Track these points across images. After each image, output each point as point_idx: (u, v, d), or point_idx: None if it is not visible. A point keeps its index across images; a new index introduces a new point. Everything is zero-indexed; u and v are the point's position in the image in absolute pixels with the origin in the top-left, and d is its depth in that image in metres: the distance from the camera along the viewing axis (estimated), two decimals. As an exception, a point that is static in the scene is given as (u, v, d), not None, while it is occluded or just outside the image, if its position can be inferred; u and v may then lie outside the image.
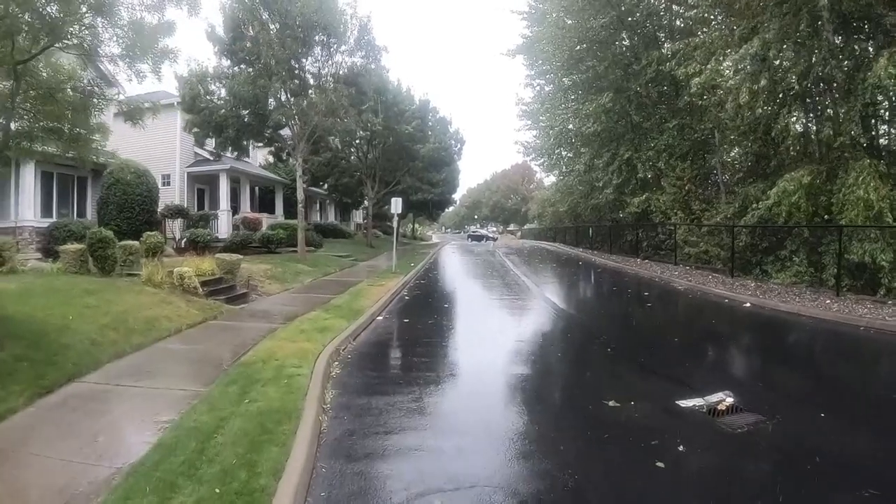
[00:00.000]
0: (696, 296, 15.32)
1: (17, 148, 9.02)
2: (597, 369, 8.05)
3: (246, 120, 21.58)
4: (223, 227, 25.48)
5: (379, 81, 29.91)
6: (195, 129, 21.41)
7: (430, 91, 79.57)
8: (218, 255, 15.15)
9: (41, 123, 8.86)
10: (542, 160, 42.48)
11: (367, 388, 6.78)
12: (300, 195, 21.14)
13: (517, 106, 42.72)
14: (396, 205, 20.14)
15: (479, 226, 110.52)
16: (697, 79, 16.86)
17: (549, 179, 69.94)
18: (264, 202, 33.37)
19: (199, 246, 22.22)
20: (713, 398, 6.08)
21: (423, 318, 11.78)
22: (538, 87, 36.97)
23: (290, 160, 22.73)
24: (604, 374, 7.75)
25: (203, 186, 28.05)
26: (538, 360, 8.53)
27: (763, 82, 15.10)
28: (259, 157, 37.03)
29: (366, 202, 34.75)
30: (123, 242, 13.56)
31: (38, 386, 5.99)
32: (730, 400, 6.00)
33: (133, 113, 9.75)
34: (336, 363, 7.83)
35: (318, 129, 22.07)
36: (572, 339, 10.31)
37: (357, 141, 34.68)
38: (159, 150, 25.71)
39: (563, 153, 35.12)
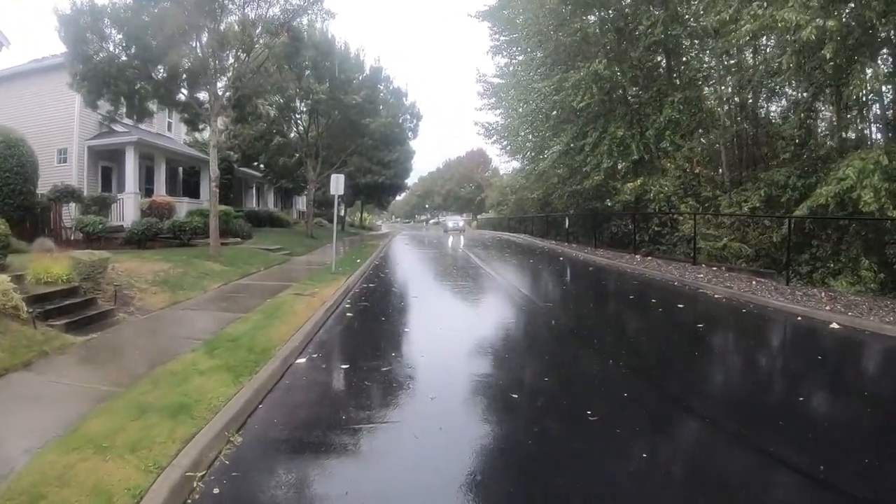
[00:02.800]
0: (750, 311, 11.14)
1: None
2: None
3: (152, 75, 16.42)
4: (129, 213, 20.38)
5: (322, 40, 25.09)
6: (84, 85, 15.99)
7: (382, 56, 73.36)
8: (75, 254, 10.28)
9: None
10: (505, 143, 38.36)
11: None
12: (213, 170, 16.19)
13: (479, 83, 38.45)
14: (337, 184, 15.35)
15: (437, 214, 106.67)
16: (749, 26, 12.77)
17: (512, 165, 66.09)
18: (188, 185, 28.11)
19: (92, 238, 17.23)
20: None
21: (372, 358, 7.24)
22: (506, 59, 32.76)
23: (202, 124, 17.52)
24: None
25: (109, 164, 22.68)
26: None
27: (832, 23, 11.09)
28: (184, 132, 31.66)
29: (310, 187, 29.70)
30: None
31: None
32: None
33: None
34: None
35: (241, 87, 17.16)
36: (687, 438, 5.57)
37: (298, 116, 29.66)
38: (54, 121, 20.73)
39: (532, 134, 30.75)
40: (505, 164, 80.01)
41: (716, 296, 12.83)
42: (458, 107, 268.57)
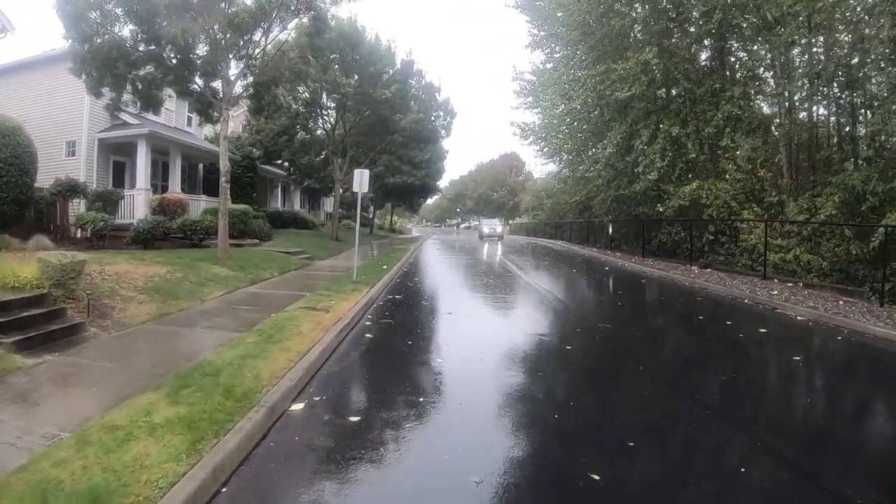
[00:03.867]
0: (846, 338, 9.07)
1: None
2: None
3: (160, 57, 14.86)
4: (139, 210, 19.00)
5: (350, 30, 23.47)
6: (84, 68, 14.40)
7: (414, 49, 71.09)
8: (43, 256, 8.61)
9: None
10: (542, 145, 36.21)
11: None
12: (223, 164, 14.54)
13: (515, 80, 36.39)
14: (361, 180, 13.45)
15: (467, 218, 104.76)
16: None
17: (548, 168, 63.92)
18: (209, 183, 26.68)
19: (97, 236, 15.81)
20: None
21: (395, 404, 5.38)
22: (546, 55, 30.71)
23: (217, 114, 15.87)
24: None
25: (122, 159, 21.30)
26: None
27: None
28: (205, 127, 30.28)
29: (337, 187, 28.06)
30: None
31: None
32: None
33: None
34: None
35: (258, 74, 15.57)
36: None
37: (325, 113, 28.04)
38: (64, 113, 19.54)
39: (572, 136, 28.59)
40: (542, 165, 77.93)
41: (798, 318, 10.77)
42: (491, 108, 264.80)
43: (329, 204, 47.09)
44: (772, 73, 20.35)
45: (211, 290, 11.10)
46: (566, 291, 14.96)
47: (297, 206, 39.51)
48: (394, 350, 7.71)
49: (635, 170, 21.33)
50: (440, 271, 19.76)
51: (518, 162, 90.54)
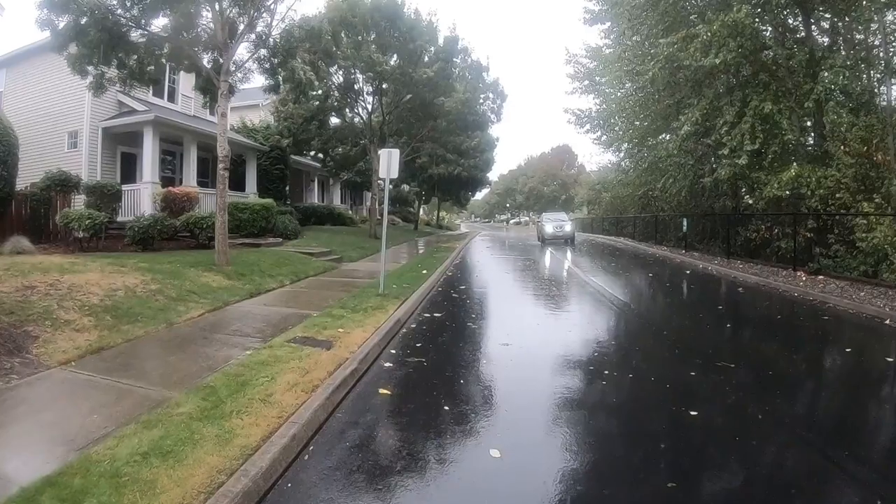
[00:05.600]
0: None
1: None
2: None
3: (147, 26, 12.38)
4: (145, 206, 16.80)
5: (388, 2, 20.76)
6: (60, 38, 11.96)
7: (457, 24, 66.66)
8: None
9: None
10: (599, 133, 32.84)
11: None
12: (221, 147, 11.85)
13: (568, 64, 33.10)
14: (389, 161, 10.23)
15: (517, 213, 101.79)
16: None
17: (603, 159, 60.17)
18: (235, 176, 24.32)
19: (92, 237, 13.51)
20: None
21: None
22: (605, 30, 27.33)
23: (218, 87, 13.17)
24: None
25: (132, 151, 19.06)
26: None
27: None
28: (235, 118, 28.03)
29: (374, 178, 25.41)
30: None
31: None
32: None
33: None
34: None
35: (262, 43, 12.98)
36: None
37: (361, 99, 25.36)
38: (65, 101, 17.64)
39: (638, 119, 25.08)
40: (598, 156, 74.11)
41: None
42: (542, 97, 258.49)
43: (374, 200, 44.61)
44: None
45: (189, 307, 8.46)
46: (651, 305, 11.90)
47: (337, 201, 37.14)
48: (424, 424, 4.77)
49: (718, 152, 17.92)
50: (491, 278, 16.78)
51: (570, 155, 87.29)
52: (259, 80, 15.70)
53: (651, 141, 25.48)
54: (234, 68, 13.89)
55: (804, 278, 14.23)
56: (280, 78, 15.01)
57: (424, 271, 14.24)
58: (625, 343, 8.23)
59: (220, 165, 11.95)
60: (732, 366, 6.64)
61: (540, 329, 8.97)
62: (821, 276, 14.11)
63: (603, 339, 8.31)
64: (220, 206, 11.95)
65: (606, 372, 6.29)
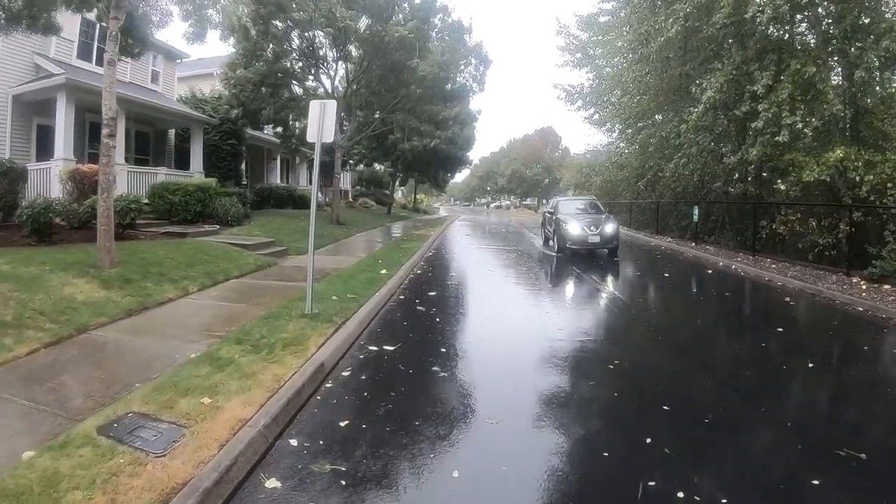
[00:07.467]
0: None
1: None
2: None
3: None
4: (54, 189, 13.59)
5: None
6: None
7: None
8: None
9: None
10: (591, 111, 29.76)
11: None
12: (107, 107, 8.54)
13: (559, 35, 29.79)
14: (321, 116, 6.96)
15: (498, 197, 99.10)
16: None
17: (592, 141, 56.91)
18: (181, 152, 20.99)
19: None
20: None
21: None
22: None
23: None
24: None
25: (49, 123, 15.60)
26: None
27: None
28: (184, 88, 24.50)
29: (337, 154, 22.10)
30: None
31: None
32: None
33: None
34: None
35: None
36: None
37: (325, 64, 21.98)
38: None
39: (642, 92, 21.83)
40: (588, 137, 70.96)
41: None
42: (526, 77, 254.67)
43: (345, 180, 41.12)
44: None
45: (20, 339, 5.28)
46: (669, 318, 8.92)
47: (302, 183, 33.74)
48: None
49: (751, 125, 14.87)
50: (470, 273, 13.72)
51: (554, 137, 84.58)
52: (180, 29, 12.40)
53: (658, 117, 22.39)
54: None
55: (864, 286, 11.27)
56: (206, 24, 11.75)
57: (384, 270, 11.07)
58: (651, 354, 5.14)
59: (105, 131, 8.62)
60: (863, 456, 3.66)
61: (547, 376, 5.79)
62: (886, 286, 11.13)
63: (608, 353, 5.19)
64: (103, 185, 8.67)
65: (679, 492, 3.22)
